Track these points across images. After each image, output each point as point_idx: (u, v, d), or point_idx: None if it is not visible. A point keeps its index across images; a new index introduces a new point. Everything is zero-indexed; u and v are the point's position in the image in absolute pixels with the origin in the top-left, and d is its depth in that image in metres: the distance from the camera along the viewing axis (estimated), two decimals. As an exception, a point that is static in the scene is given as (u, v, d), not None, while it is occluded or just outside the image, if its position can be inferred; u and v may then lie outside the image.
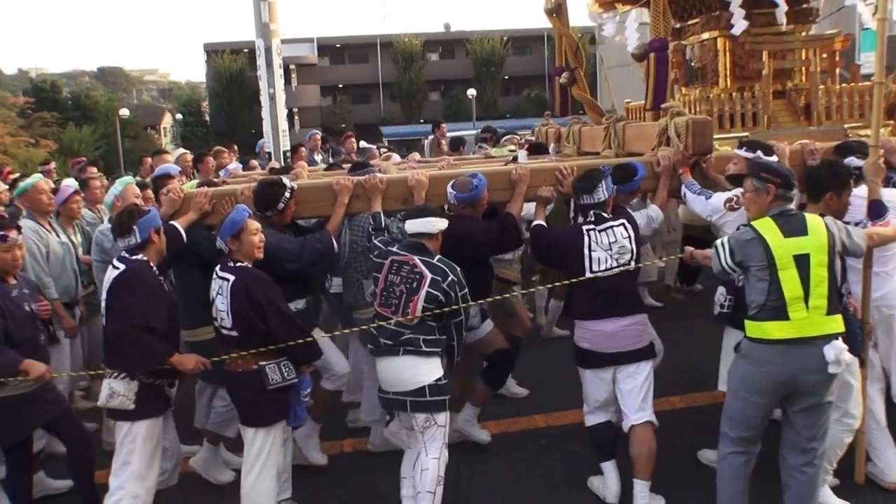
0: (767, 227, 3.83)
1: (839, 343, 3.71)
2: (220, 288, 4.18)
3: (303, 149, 11.88)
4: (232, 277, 4.15)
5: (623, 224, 4.54)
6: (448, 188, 4.92)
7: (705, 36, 6.65)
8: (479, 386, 5.42)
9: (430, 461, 4.24)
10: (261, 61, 12.94)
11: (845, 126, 6.09)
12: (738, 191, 4.53)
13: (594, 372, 4.59)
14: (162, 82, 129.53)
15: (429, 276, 4.25)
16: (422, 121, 54.74)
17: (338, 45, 60.06)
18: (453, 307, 4.29)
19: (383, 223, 4.87)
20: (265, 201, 4.79)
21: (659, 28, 5.66)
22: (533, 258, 5.48)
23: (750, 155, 4.61)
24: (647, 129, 5.60)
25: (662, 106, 5.44)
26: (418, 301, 4.23)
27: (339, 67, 59.99)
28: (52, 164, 13.81)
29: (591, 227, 4.52)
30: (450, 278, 4.26)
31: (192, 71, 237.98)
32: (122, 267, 4.22)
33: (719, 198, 4.69)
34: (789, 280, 3.74)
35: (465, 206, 4.92)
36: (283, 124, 13.43)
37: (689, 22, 7.01)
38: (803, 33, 6.53)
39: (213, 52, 55.25)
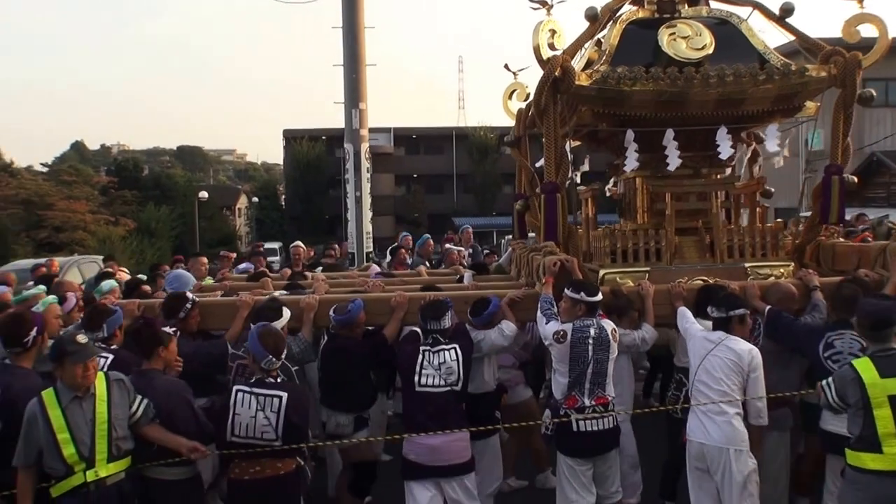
0: (865, 367, 4.31)
1: None
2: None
3: (402, 250, 11.60)
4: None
5: (455, 348, 5.14)
6: (330, 311, 5.51)
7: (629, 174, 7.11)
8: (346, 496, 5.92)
9: None
10: (349, 165, 13.69)
11: (746, 265, 6.41)
12: (566, 326, 5.08)
13: (419, 483, 5.09)
14: (238, 163, 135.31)
15: None
16: (494, 213, 55.65)
17: (414, 136, 61.50)
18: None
19: None
20: (168, 311, 5.56)
21: (551, 172, 6.17)
22: None
23: (575, 295, 5.17)
24: (536, 263, 6.07)
25: (540, 245, 5.92)
26: None
27: (414, 157, 61.33)
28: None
29: (427, 348, 5.13)
30: None
31: (268, 153, 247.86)
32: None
33: (552, 327, 5.17)
34: (883, 417, 4.20)
35: (342, 327, 5.53)
36: (368, 226, 13.95)
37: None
38: (717, 176, 6.92)
39: (292, 138, 57.81)
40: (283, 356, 4.73)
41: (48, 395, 4.24)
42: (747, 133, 7.32)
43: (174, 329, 4.97)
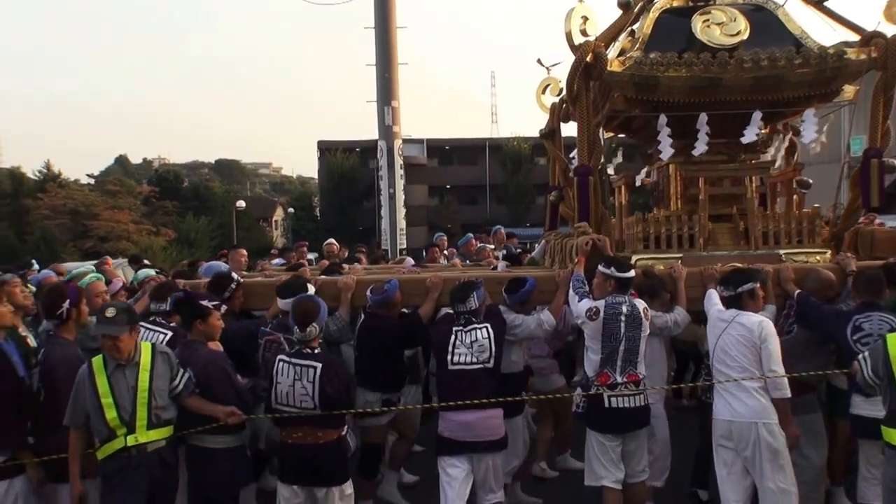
0: (894, 342, 4.29)
1: None
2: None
3: (435, 248, 11.67)
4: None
5: (486, 327, 5.17)
6: (367, 291, 5.59)
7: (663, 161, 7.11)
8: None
9: None
10: (382, 162, 13.88)
11: (781, 252, 6.37)
12: (599, 303, 5.11)
13: (453, 458, 5.13)
14: (274, 176, 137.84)
15: None
16: (528, 224, 55.77)
17: (447, 147, 61.99)
18: None
19: None
20: (214, 289, 5.68)
21: (583, 156, 6.20)
22: None
23: (606, 270, 5.23)
24: (569, 245, 6.11)
25: (575, 225, 5.95)
26: None
27: (447, 168, 61.81)
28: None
29: (460, 328, 5.18)
30: None
31: (303, 166, 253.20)
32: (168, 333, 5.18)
33: (585, 304, 5.20)
34: None
35: (378, 306, 5.61)
36: (402, 223, 14.13)
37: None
38: (752, 161, 6.89)
39: (326, 149, 58.57)
40: (313, 327, 4.78)
41: (97, 361, 4.43)
42: (784, 124, 7.29)
43: (216, 304, 5.06)
